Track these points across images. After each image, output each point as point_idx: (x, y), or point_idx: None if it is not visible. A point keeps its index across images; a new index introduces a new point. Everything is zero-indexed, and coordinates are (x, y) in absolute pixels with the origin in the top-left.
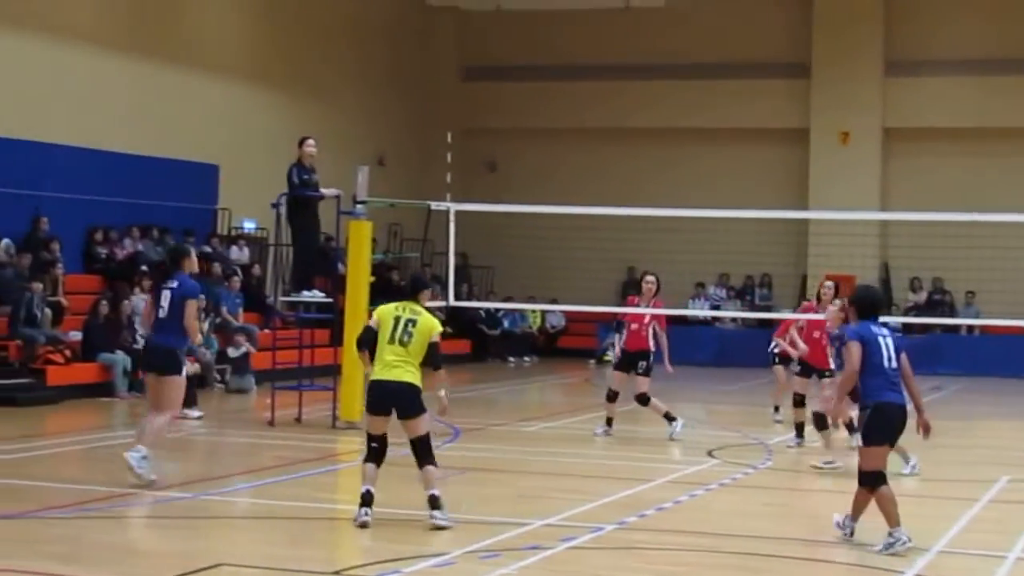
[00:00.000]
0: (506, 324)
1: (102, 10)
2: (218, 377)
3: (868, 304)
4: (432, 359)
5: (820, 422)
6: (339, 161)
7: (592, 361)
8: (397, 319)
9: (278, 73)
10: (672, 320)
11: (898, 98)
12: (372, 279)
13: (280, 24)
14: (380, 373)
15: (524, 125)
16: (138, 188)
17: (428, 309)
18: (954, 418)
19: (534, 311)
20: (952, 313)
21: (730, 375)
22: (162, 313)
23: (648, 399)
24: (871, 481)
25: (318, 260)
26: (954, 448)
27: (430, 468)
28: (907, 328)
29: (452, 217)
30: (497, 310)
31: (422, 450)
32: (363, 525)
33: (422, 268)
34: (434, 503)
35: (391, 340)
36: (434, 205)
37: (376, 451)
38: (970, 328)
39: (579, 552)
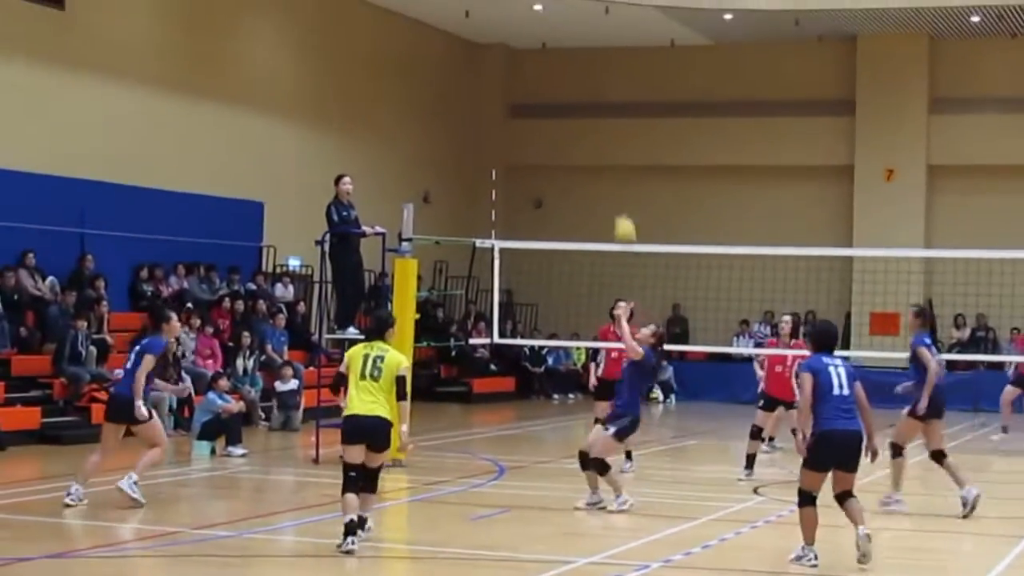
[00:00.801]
0: (550, 361)
1: (150, 48)
2: (262, 415)
3: (823, 338)
4: (399, 391)
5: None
6: (386, 198)
7: None
8: (366, 356)
9: (323, 111)
10: (716, 357)
11: (942, 135)
12: (417, 316)
13: (326, 62)
14: (355, 408)
15: (570, 162)
16: (183, 225)
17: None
18: (997, 454)
19: (578, 348)
20: (995, 350)
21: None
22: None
23: None
24: (803, 500)
25: (368, 297)
26: (998, 484)
27: (371, 496)
28: (951, 365)
29: (496, 254)
30: (541, 347)
31: (371, 478)
32: (348, 552)
33: (467, 305)
34: (362, 523)
35: (362, 376)
36: (479, 242)
37: (354, 480)
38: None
39: None
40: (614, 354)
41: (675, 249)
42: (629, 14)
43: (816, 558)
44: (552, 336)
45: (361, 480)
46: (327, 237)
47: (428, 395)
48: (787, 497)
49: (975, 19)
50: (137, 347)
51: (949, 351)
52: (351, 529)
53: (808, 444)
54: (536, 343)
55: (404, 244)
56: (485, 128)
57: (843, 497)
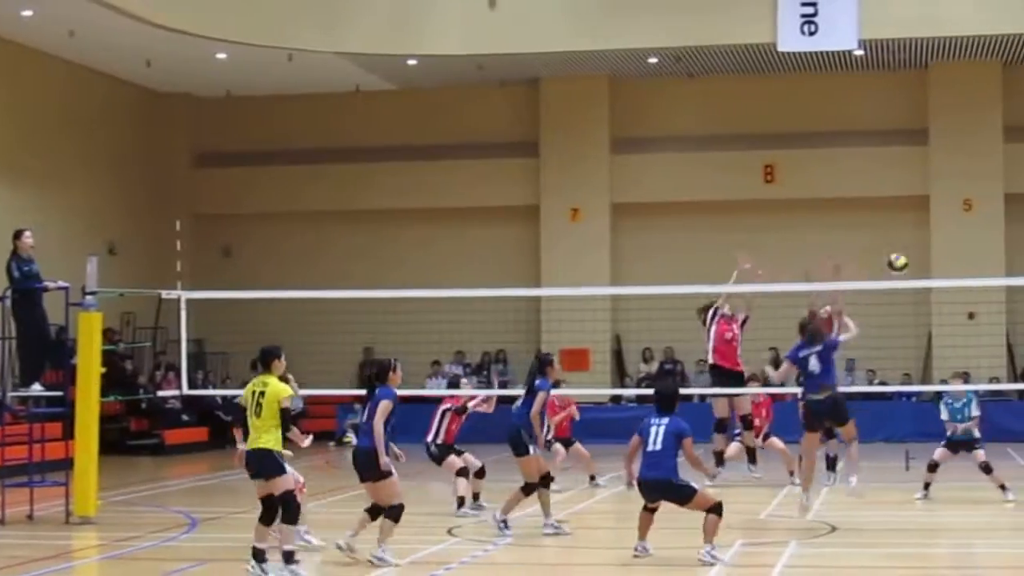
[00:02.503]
0: None
1: None
2: None
3: (661, 398)
4: (283, 423)
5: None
6: (69, 251)
7: (332, 443)
8: (252, 393)
9: (16, 166)
10: (410, 399)
11: (625, 174)
12: (104, 370)
13: (19, 117)
14: (248, 444)
15: (257, 209)
16: None
17: (281, 377)
18: None
19: None
20: (684, 382)
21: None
22: None
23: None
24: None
25: (51, 352)
26: None
27: (286, 528)
28: (640, 399)
29: (183, 305)
30: (234, 396)
31: (286, 508)
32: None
33: (156, 356)
34: (288, 558)
35: (250, 413)
36: (164, 293)
37: (265, 512)
38: (702, 397)
39: None
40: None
41: (362, 294)
42: (313, 61)
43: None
44: (244, 384)
45: (279, 511)
46: (8, 293)
47: (119, 449)
48: (482, 537)
49: (653, 60)
50: None
51: (638, 385)
52: (256, 555)
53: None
54: (228, 392)
55: (88, 298)
56: (171, 177)
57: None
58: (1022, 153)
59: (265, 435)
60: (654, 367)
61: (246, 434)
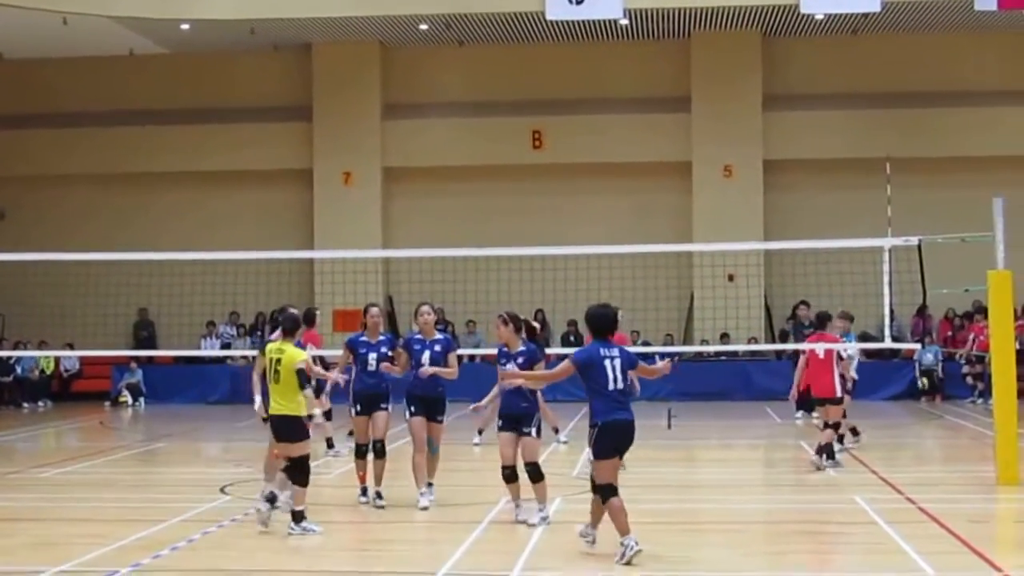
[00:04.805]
0: (19, 370)
1: None
2: None
3: (600, 323)
4: (300, 383)
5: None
6: None
7: (107, 403)
8: (271, 360)
9: None
10: (184, 360)
11: (396, 139)
12: None
13: None
14: (271, 408)
15: (32, 172)
16: None
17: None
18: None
19: (46, 356)
20: (457, 342)
21: (244, 411)
22: None
23: None
24: (605, 493)
25: None
26: (466, 472)
27: (297, 489)
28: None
29: None
30: (9, 357)
31: (297, 470)
32: (263, 523)
33: None
34: (297, 517)
35: (270, 380)
36: None
37: (287, 470)
38: (471, 357)
39: None
40: None
41: (140, 256)
42: (87, 24)
43: (637, 544)
44: (19, 345)
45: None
46: None
47: None
48: (251, 495)
49: (424, 27)
50: None
51: None
52: (267, 498)
53: (592, 437)
54: (4, 353)
55: None
56: None
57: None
58: (780, 121)
59: (285, 401)
60: None
61: (264, 394)
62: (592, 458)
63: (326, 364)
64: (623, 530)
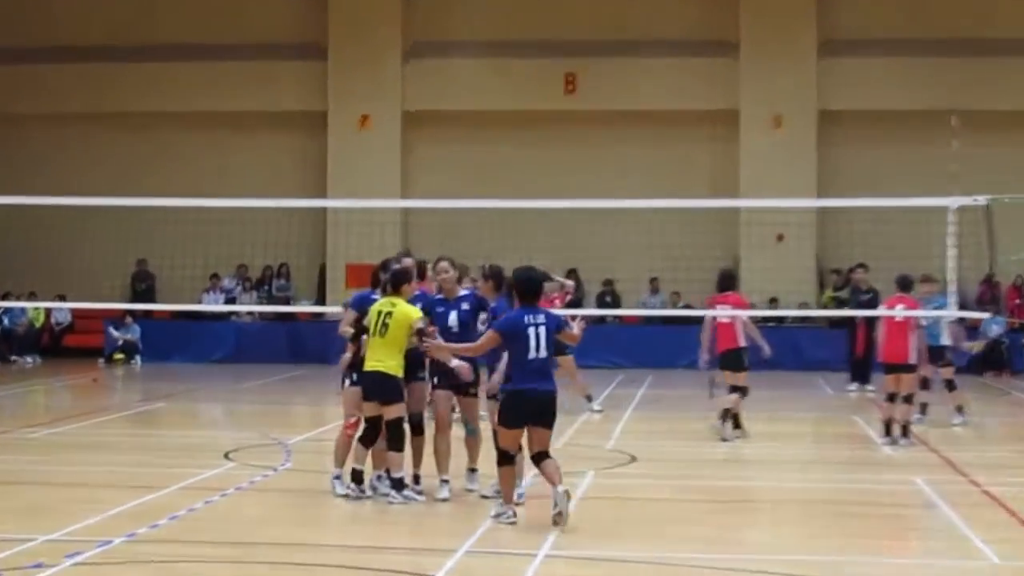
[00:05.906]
0: (6, 322)
1: None
2: None
3: (528, 286)
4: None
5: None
6: None
7: (101, 360)
8: (379, 314)
9: None
10: (184, 316)
11: (420, 82)
12: None
13: None
14: (367, 365)
15: (27, 111)
16: None
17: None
18: None
19: (36, 308)
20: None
21: (250, 371)
22: None
23: None
24: (502, 459)
25: None
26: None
27: (393, 455)
28: None
29: None
30: None
31: (391, 434)
32: (343, 496)
33: None
34: (398, 485)
35: (373, 333)
36: None
37: (369, 432)
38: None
39: (85, 568)
40: None
41: (139, 202)
42: None
43: (515, 515)
44: (7, 296)
45: (384, 433)
46: None
47: None
48: (258, 462)
49: None
50: None
51: None
52: (354, 476)
53: (501, 401)
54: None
55: None
56: None
57: (539, 457)
58: (836, 68)
59: (387, 358)
60: None
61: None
62: (496, 423)
63: None
64: (507, 498)
